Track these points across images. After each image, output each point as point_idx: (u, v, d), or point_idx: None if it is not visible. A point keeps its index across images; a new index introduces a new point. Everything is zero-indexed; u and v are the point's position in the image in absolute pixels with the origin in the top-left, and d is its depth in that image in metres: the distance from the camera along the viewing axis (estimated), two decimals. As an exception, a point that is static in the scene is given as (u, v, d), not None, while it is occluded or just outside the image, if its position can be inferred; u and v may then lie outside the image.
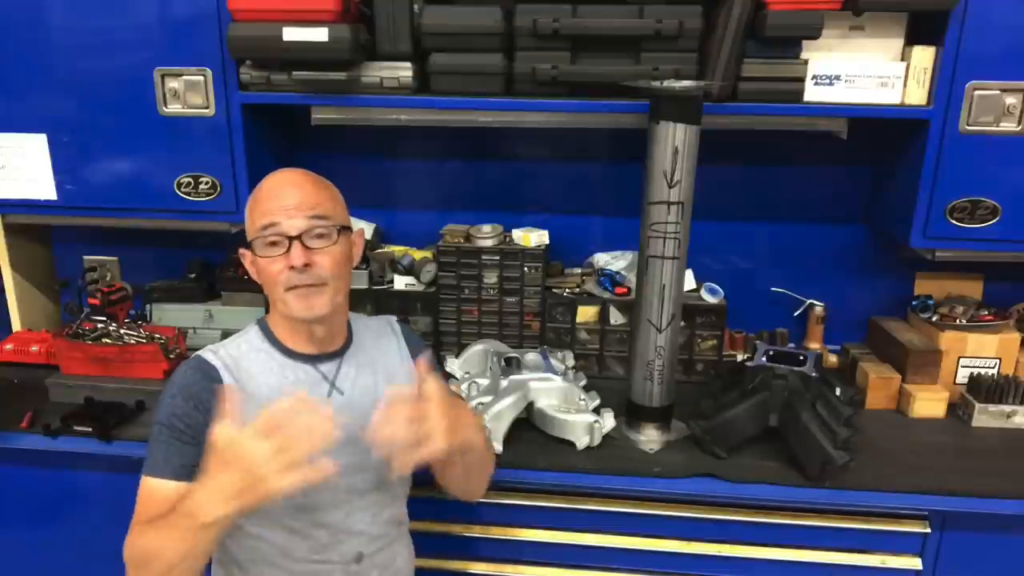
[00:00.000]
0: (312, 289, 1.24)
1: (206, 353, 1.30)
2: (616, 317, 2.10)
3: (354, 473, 1.32)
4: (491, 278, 2.10)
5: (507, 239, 2.12)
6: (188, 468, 1.20)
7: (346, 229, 1.30)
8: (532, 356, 1.95)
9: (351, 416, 1.32)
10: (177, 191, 1.89)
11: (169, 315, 2.17)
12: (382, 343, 1.44)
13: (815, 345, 2.13)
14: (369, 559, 1.35)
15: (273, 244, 1.24)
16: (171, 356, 1.92)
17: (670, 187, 1.59)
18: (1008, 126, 1.70)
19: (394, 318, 1.51)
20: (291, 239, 1.22)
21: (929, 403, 1.91)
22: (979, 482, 1.63)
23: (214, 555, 1.38)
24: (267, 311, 1.45)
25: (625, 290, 2.07)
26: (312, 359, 1.33)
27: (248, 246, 1.29)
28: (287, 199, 1.24)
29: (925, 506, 1.62)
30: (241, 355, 1.31)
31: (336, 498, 1.31)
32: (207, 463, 1.08)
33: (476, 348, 2.06)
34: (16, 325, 2.19)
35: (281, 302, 1.26)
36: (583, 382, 1.94)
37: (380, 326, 1.48)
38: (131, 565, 1.15)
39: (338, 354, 1.36)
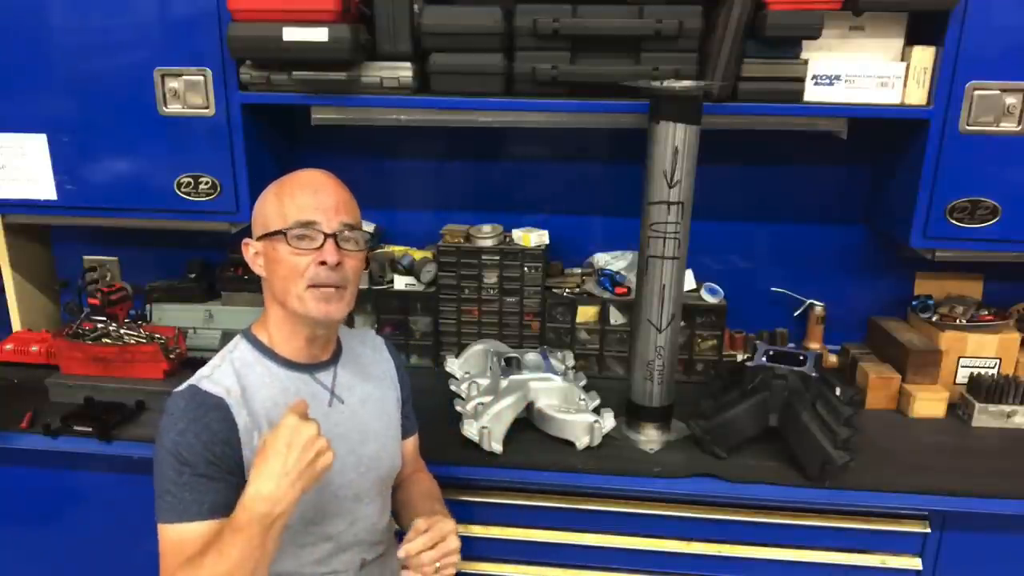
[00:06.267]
0: (333, 292, 1.23)
1: (204, 383, 1.22)
2: (616, 317, 2.10)
3: (357, 481, 1.32)
4: (491, 278, 2.10)
5: (507, 239, 2.12)
6: (222, 505, 1.15)
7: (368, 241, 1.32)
8: (532, 356, 1.94)
9: (353, 424, 1.33)
10: (177, 191, 1.89)
11: (169, 315, 2.17)
12: (368, 352, 1.44)
13: (815, 345, 2.13)
14: (371, 564, 1.37)
15: (302, 238, 1.22)
16: (171, 356, 1.92)
17: (670, 187, 1.59)
18: (1008, 126, 1.70)
19: (373, 331, 1.53)
20: (327, 236, 1.22)
21: (929, 403, 1.90)
22: (979, 482, 1.63)
23: None
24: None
25: (625, 290, 2.07)
26: (308, 368, 1.31)
27: (257, 237, 1.27)
28: (326, 199, 1.24)
29: (925, 506, 1.62)
30: (236, 374, 1.26)
31: (341, 507, 1.31)
32: (258, 458, 1.11)
33: (476, 348, 2.06)
34: (16, 325, 2.19)
35: (297, 298, 1.23)
36: (583, 382, 1.94)
37: (363, 336, 1.48)
38: None
39: (332, 362, 1.35)
